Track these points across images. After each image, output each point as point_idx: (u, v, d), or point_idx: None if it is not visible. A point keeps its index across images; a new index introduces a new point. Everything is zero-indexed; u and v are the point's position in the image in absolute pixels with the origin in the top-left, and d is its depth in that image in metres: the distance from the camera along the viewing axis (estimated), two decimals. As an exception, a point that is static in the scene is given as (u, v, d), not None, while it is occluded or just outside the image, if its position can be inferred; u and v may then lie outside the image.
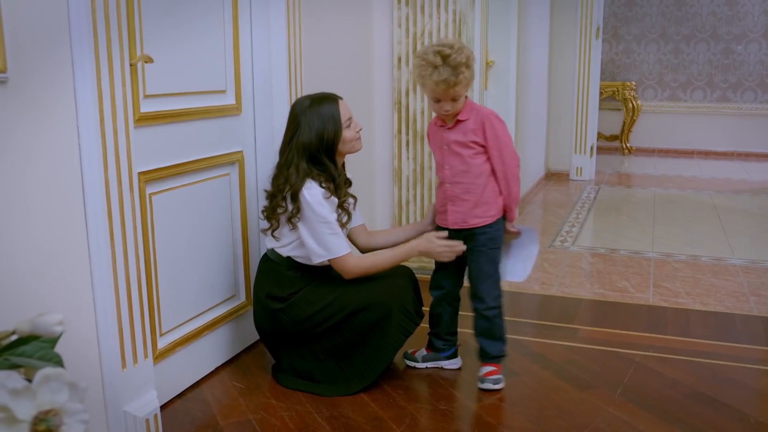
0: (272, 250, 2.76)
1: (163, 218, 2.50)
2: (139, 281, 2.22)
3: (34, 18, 1.84)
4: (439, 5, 3.77)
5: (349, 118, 2.72)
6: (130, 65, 2.19)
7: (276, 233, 2.72)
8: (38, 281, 1.91)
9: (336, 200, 2.69)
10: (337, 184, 2.70)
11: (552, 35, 7.34)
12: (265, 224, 2.76)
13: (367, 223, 3.14)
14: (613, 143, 9.86)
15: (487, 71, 4.98)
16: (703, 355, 3.15)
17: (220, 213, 2.85)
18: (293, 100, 2.98)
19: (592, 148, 7.64)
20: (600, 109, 8.63)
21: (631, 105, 9.57)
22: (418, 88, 3.85)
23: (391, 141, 4.01)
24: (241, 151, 2.92)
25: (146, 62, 2.29)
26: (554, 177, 7.70)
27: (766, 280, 4.23)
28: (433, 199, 3.99)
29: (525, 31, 5.91)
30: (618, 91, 9.51)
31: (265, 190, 2.74)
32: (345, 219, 2.75)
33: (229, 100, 2.84)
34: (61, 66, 1.93)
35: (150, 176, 2.41)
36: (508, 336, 2.98)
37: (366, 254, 2.91)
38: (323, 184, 2.63)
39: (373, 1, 3.88)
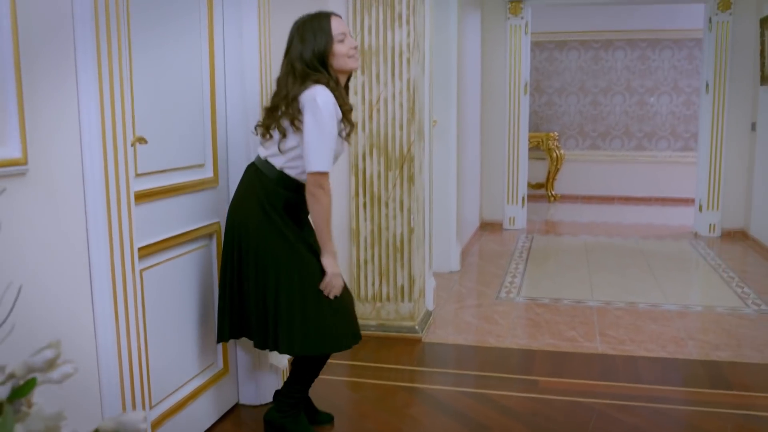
0: (264, 161, 2.70)
1: (152, 292, 2.56)
2: (140, 359, 2.28)
3: (50, 112, 1.92)
4: (393, 74, 3.97)
5: (343, 33, 2.69)
6: (132, 146, 2.28)
7: (271, 143, 2.68)
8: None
9: (340, 112, 2.66)
10: (336, 96, 2.65)
11: (483, 92, 7.67)
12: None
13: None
14: (539, 191, 10.25)
15: (432, 130, 5.20)
16: (657, 401, 3.37)
17: (200, 282, 2.92)
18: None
19: (523, 199, 7.96)
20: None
21: (554, 154, 10.00)
22: (375, 152, 4.02)
23: (348, 203, 4.15)
24: (218, 222, 3.01)
25: (141, 143, 2.38)
26: (489, 227, 7.97)
27: (700, 324, 4.53)
28: (391, 259, 4.15)
29: (463, 89, 6.18)
30: (542, 141, 9.93)
31: (264, 108, 2.75)
32: (346, 132, 2.73)
33: (208, 173, 2.94)
34: (72, 155, 2.01)
35: (141, 253, 2.47)
36: (476, 390, 3.12)
37: None
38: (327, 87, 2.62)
39: (329, 70, 4.04)
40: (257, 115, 3.06)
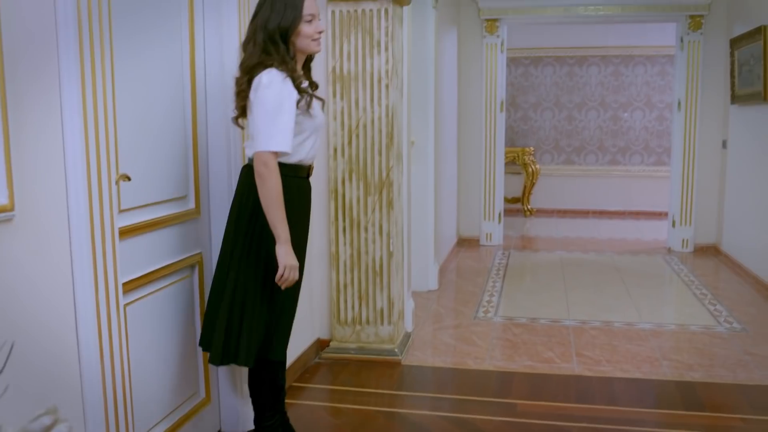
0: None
1: (136, 326, 2.58)
2: (124, 394, 2.30)
3: (36, 155, 1.94)
4: (372, 100, 4.01)
5: (312, 15, 2.65)
6: (116, 183, 2.30)
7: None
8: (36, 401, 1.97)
9: (294, 90, 2.58)
10: (291, 70, 2.59)
11: (460, 109, 7.75)
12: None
13: (305, 303, 3.20)
14: (515, 205, 10.34)
15: (410, 151, 5.25)
16: (633, 423, 3.43)
17: (183, 314, 2.94)
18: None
19: (500, 215, 8.04)
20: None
21: (530, 169, 10.10)
22: (354, 177, 4.06)
23: (328, 227, 4.19)
24: (200, 253, 3.03)
25: (125, 181, 2.40)
26: (466, 243, 8.03)
27: (674, 344, 4.61)
28: (370, 282, 4.18)
29: (440, 107, 6.24)
30: (518, 156, 10.03)
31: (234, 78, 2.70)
32: (307, 103, 2.62)
33: (190, 204, 2.96)
34: (57, 195, 2.03)
35: (125, 288, 2.49)
36: (455, 415, 3.16)
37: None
38: (278, 67, 2.55)
39: (309, 96, 4.08)
40: (240, 145, 3.10)
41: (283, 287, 2.63)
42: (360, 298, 4.20)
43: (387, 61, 3.98)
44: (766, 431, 3.40)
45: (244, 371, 3.14)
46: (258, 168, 2.53)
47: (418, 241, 5.59)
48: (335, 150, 4.08)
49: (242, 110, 2.69)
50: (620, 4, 7.45)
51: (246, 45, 2.64)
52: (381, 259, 4.14)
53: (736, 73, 6.74)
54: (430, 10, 5.51)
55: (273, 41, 2.59)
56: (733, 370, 4.13)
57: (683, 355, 4.38)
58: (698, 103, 7.42)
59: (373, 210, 4.09)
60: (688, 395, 3.78)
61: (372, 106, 4.02)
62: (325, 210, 4.18)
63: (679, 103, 7.53)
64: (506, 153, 9.76)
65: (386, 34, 3.96)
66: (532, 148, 10.18)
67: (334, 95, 4.04)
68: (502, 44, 7.77)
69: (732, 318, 5.15)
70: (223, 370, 3.20)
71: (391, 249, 4.13)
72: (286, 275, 2.59)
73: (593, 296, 5.77)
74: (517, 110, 10.44)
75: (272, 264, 2.60)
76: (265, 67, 2.56)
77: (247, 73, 2.59)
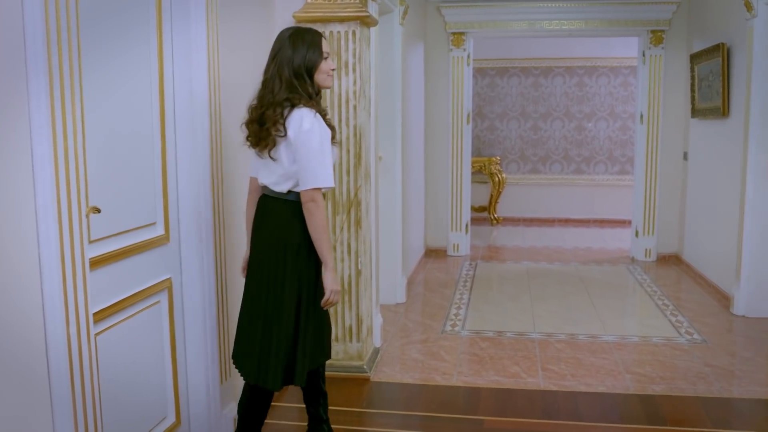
0: (271, 189, 2.87)
1: (106, 355, 2.59)
2: (95, 423, 2.31)
3: (4, 192, 1.96)
4: (340, 120, 4.06)
5: (327, 53, 2.91)
6: (86, 216, 2.31)
7: (270, 173, 2.85)
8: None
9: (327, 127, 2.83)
10: (317, 105, 2.84)
11: (427, 122, 7.82)
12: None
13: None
14: (482, 214, 10.45)
15: (377, 166, 5.31)
16: (596, 440, 3.52)
17: (153, 339, 2.96)
18: (216, 222, 3.18)
19: (466, 226, 8.13)
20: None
21: (497, 178, 10.21)
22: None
23: (297, 246, 4.22)
24: (169, 278, 3.05)
25: (95, 213, 2.42)
26: (434, 253, 8.11)
27: (636, 357, 4.71)
28: (339, 303, 4.22)
29: (407, 120, 6.31)
30: (485, 165, 10.14)
31: (250, 109, 2.88)
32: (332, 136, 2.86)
33: (159, 231, 2.98)
34: (27, 230, 2.05)
35: (96, 317, 2.50)
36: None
37: None
38: (306, 105, 2.78)
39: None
40: (207, 168, 3.12)
41: (325, 308, 2.92)
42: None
43: (355, 83, 4.03)
44: (725, 445, 3.52)
45: (213, 392, 3.17)
46: (307, 204, 2.78)
47: (386, 254, 5.65)
48: (304, 170, 4.11)
49: (262, 139, 2.82)
50: (584, 19, 7.59)
51: (270, 82, 2.82)
52: (349, 277, 4.19)
53: (696, 88, 6.90)
54: (397, 27, 5.58)
55: (298, 77, 2.80)
56: (693, 383, 4.24)
57: (646, 368, 4.48)
58: (660, 115, 7.59)
59: (342, 229, 4.14)
60: (650, 409, 3.87)
61: (340, 127, 4.06)
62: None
63: (642, 116, 7.68)
64: (473, 163, 9.86)
65: (354, 56, 4.01)
66: (498, 158, 10.29)
67: (303, 116, 4.07)
68: (468, 57, 7.86)
69: (693, 329, 5.28)
70: (196, 393, 3.22)
71: (359, 267, 4.18)
72: (332, 299, 2.87)
73: (558, 308, 5.87)
74: (484, 120, 10.56)
75: (313, 290, 2.89)
76: (292, 103, 2.78)
77: (278, 106, 2.77)
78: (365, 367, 4.28)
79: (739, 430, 3.67)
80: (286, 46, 2.82)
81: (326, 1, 3.97)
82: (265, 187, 2.92)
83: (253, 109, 2.86)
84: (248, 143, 2.91)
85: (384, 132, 5.57)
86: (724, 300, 5.97)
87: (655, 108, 7.59)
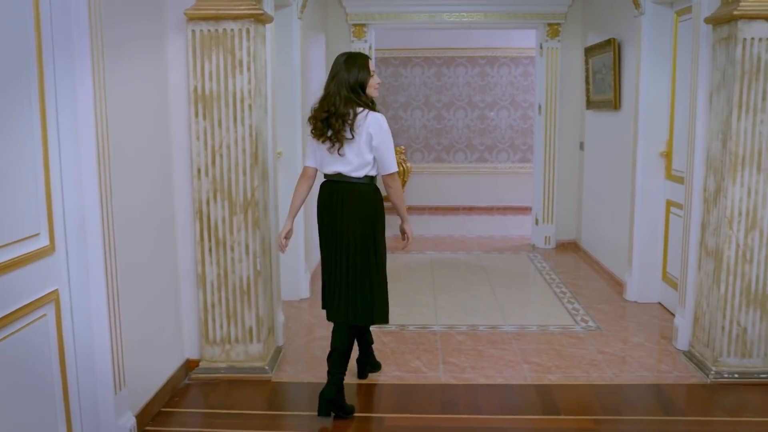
0: (343, 174, 3.71)
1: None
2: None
3: None
4: (236, 120, 3.99)
5: (374, 71, 3.76)
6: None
7: (344, 161, 3.67)
8: None
9: None
10: (374, 109, 3.72)
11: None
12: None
13: (173, 323, 3.23)
14: (388, 203, 10.48)
15: (276, 163, 5.25)
16: (494, 431, 3.59)
17: (40, 354, 2.85)
18: (105, 231, 3.08)
19: (372, 217, 8.14)
20: (375, 174, 9.35)
21: (401, 167, 10.28)
22: (219, 197, 4.03)
23: (194, 248, 4.14)
24: (56, 290, 2.94)
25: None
26: (339, 245, 8.09)
27: (534, 346, 4.84)
28: (238, 301, 4.17)
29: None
30: (389, 155, 10.17)
31: (315, 110, 3.71)
32: None
33: (44, 242, 2.86)
34: None
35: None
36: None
37: None
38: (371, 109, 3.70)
39: (170, 115, 4.02)
40: (95, 176, 3.02)
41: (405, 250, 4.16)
42: (229, 317, 4.19)
43: (249, 81, 3.97)
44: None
45: (105, 404, 3.10)
46: (391, 183, 3.79)
47: (288, 251, 5.61)
48: (198, 170, 4.03)
49: (329, 139, 3.66)
50: (483, 12, 7.70)
51: (332, 97, 3.64)
52: (248, 278, 4.14)
53: (590, 81, 7.11)
54: (296, 21, 5.51)
55: (354, 92, 3.64)
56: (587, 371, 4.38)
57: (543, 358, 4.61)
58: (557, 107, 7.79)
59: (239, 230, 4.08)
60: (546, 399, 3.98)
61: (235, 126, 4.00)
62: (191, 230, 4.13)
63: (540, 107, 7.87)
64: (378, 153, 9.91)
65: (248, 54, 3.95)
66: (402, 147, 10.35)
67: (197, 115, 3.99)
68: (370, 49, 7.86)
69: (588, 316, 5.46)
70: (89, 405, 3.13)
71: (258, 268, 4.13)
72: (408, 243, 4.07)
73: (461, 299, 5.96)
74: (388, 110, 10.60)
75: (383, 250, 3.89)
76: (354, 112, 3.62)
77: (340, 117, 3.59)
78: (267, 367, 4.25)
79: (627, 416, 3.82)
80: (342, 69, 3.65)
81: (219, -2, 3.89)
82: (337, 174, 3.71)
83: (316, 111, 3.70)
84: (312, 135, 3.74)
85: (283, 129, 5.51)
86: (618, 286, 6.20)
87: (552, 99, 7.79)
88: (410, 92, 10.61)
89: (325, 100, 3.65)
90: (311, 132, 3.72)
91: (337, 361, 3.75)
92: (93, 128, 3.01)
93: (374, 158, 3.68)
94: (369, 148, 3.64)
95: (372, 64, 3.75)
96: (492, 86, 10.56)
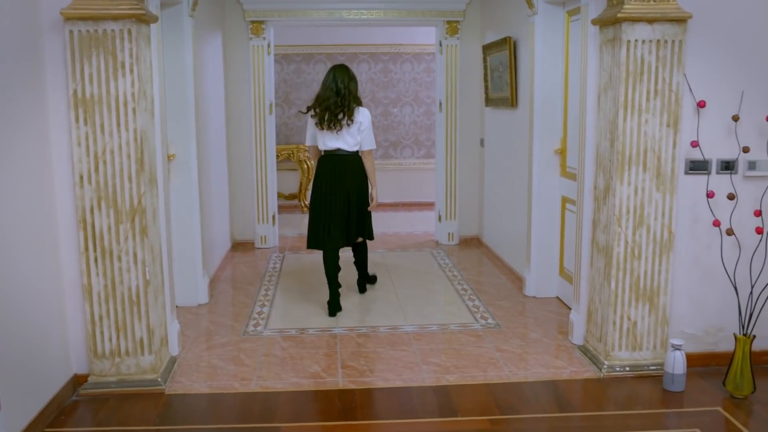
0: (343, 149, 5.42)
1: None
2: None
3: None
4: (119, 125, 3.82)
5: None
6: None
7: (340, 138, 5.39)
8: None
9: None
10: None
11: (228, 114, 7.62)
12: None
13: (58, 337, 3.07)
14: (293, 201, 10.40)
15: (169, 166, 5.09)
16: (390, 439, 3.58)
17: None
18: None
19: (274, 217, 8.04)
20: (278, 170, 9.26)
21: (305, 166, 10.19)
22: (104, 204, 3.86)
23: (78, 258, 3.96)
24: None
25: None
26: (240, 246, 7.96)
27: (434, 346, 4.84)
28: (127, 312, 4.02)
29: (205, 114, 6.10)
30: (293, 153, 10.07)
31: (328, 107, 5.30)
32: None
33: None
34: None
35: None
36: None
37: None
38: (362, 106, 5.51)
39: (49, 120, 3.83)
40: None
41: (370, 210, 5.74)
42: (118, 329, 4.03)
43: (133, 84, 3.81)
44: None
45: None
46: (368, 156, 5.50)
47: (184, 256, 5.47)
48: (81, 177, 3.85)
49: (333, 124, 5.35)
50: (383, 9, 7.67)
51: (346, 99, 5.31)
52: (137, 288, 3.99)
53: (489, 78, 7.18)
54: (187, 19, 5.35)
55: (356, 96, 5.39)
56: (484, 370, 4.41)
57: (442, 358, 4.62)
58: (457, 103, 7.85)
59: (126, 238, 3.92)
60: (444, 401, 3.98)
61: (119, 131, 3.83)
62: (75, 240, 3.95)
63: (441, 104, 7.91)
64: (280, 151, 9.81)
65: (131, 56, 3.79)
66: (306, 145, 10.24)
67: (77, 120, 3.80)
68: (269, 46, 7.73)
69: (488, 314, 5.51)
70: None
71: (147, 277, 3.99)
72: (375, 205, 5.68)
73: (362, 299, 5.94)
74: (291, 107, 10.47)
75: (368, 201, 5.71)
76: (359, 105, 5.43)
77: (350, 111, 5.32)
78: (159, 379, 4.11)
79: (523, 414, 3.86)
80: (353, 80, 5.38)
81: (98, -3, 3.71)
82: (338, 150, 5.40)
83: (332, 106, 5.29)
84: (316, 120, 5.38)
85: (176, 130, 5.35)
86: (518, 282, 6.29)
87: (452, 96, 7.84)
88: (313, 89, 10.44)
89: (339, 99, 5.27)
90: (317, 123, 5.36)
91: (333, 279, 5.56)
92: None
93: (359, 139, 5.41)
94: (358, 132, 5.37)
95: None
96: (395, 82, 10.57)
